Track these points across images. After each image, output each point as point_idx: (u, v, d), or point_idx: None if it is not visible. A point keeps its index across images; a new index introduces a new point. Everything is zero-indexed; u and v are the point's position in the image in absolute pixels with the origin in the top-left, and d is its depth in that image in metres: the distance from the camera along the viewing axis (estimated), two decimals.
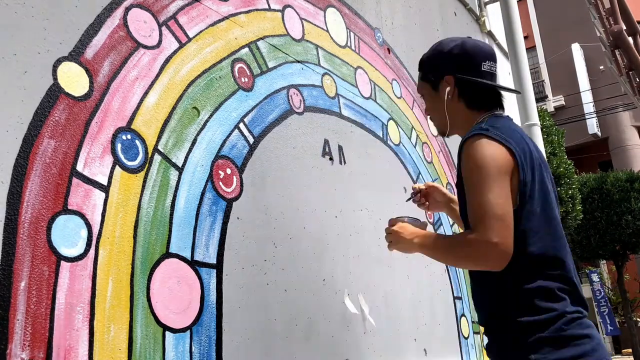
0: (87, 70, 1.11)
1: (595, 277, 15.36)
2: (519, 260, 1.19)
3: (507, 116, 1.41)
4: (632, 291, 15.13)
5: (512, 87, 3.33)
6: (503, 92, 1.48)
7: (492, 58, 1.41)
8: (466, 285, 2.44)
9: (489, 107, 1.40)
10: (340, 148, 1.84)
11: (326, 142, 1.78)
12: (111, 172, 1.10)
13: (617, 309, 14.99)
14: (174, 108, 1.28)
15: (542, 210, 1.25)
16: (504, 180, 1.20)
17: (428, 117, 1.55)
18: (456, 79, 1.40)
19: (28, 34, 1.02)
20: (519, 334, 1.19)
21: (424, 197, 1.58)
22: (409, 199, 1.60)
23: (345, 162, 1.85)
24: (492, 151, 1.22)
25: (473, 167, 1.23)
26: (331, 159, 1.78)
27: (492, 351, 1.28)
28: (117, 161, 1.12)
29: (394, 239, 1.41)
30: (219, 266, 1.29)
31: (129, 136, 1.16)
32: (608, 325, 14.92)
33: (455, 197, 1.50)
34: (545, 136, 9.25)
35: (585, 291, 15.88)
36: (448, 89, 1.40)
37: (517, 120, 3.40)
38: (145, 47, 1.25)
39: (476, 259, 1.22)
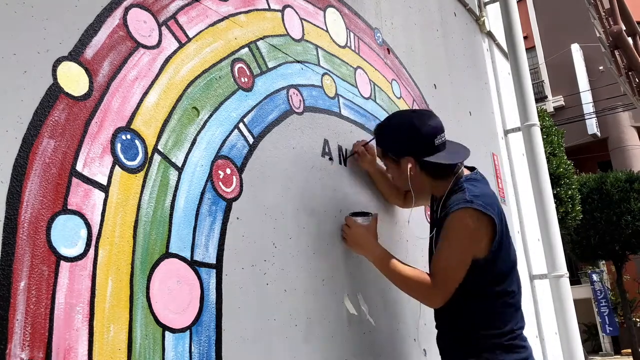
0: (87, 70, 1.11)
1: (595, 277, 15.36)
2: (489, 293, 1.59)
3: (476, 173, 1.69)
4: (632, 291, 15.13)
5: (512, 87, 3.33)
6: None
7: (442, 130, 1.64)
8: None
9: (451, 172, 1.64)
10: (340, 148, 1.84)
11: (326, 142, 1.78)
12: (111, 172, 1.10)
13: (616, 309, 14.99)
14: (173, 108, 1.28)
15: (507, 256, 1.61)
16: (471, 251, 1.53)
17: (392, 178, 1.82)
18: (416, 159, 1.62)
19: (28, 34, 1.02)
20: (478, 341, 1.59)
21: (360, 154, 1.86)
22: (349, 156, 1.86)
23: (346, 164, 1.85)
24: (472, 224, 1.51)
25: (453, 232, 1.53)
26: (331, 159, 1.78)
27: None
28: (116, 161, 1.12)
29: (348, 239, 1.69)
30: (218, 266, 1.29)
31: (128, 136, 1.16)
32: (607, 325, 14.92)
33: (383, 168, 1.87)
34: (544, 136, 9.25)
35: (586, 291, 15.88)
36: (410, 166, 1.63)
37: (516, 121, 3.40)
38: (145, 47, 1.25)
39: (421, 299, 1.62)
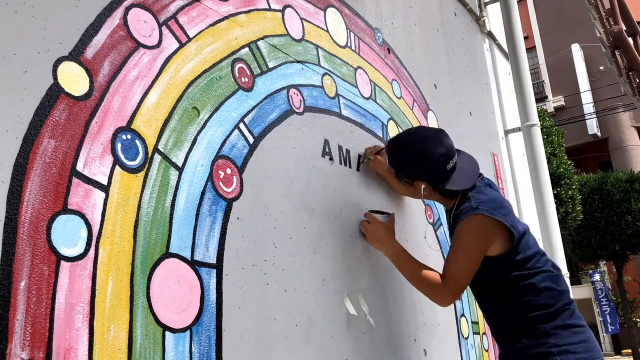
0: (87, 70, 1.11)
1: (597, 277, 15.36)
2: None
3: (482, 180, 1.74)
4: (632, 291, 15.12)
5: (512, 88, 3.33)
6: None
7: (452, 155, 1.71)
8: None
9: (462, 191, 1.70)
10: (340, 148, 1.84)
11: (326, 142, 1.78)
12: (111, 172, 1.10)
13: (616, 309, 14.99)
14: (174, 108, 1.28)
15: (526, 245, 1.65)
16: (479, 254, 1.60)
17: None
18: (429, 184, 1.73)
19: (28, 34, 1.02)
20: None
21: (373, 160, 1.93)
22: (361, 163, 1.91)
23: (347, 164, 1.85)
24: (480, 228, 1.59)
25: (462, 237, 1.61)
26: (331, 159, 1.78)
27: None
28: (117, 161, 1.12)
29: (368, 234, 1.77)
30: (219, 266, 1.29)
31: (129, 136, 1.16)
32: (608, 324, 14.91)
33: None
34: (545, 136, 9.25)
35: (586, 291, 15.88)
36: (423, 186, 1.73)
37: (516, 121, 3.40)
38: (146, 46, 1.25)
39: (432, 297, 1.67)
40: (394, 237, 1.78)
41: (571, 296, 1.69)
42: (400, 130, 2.25)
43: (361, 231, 1.80)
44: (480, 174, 1.77)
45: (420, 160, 1.71)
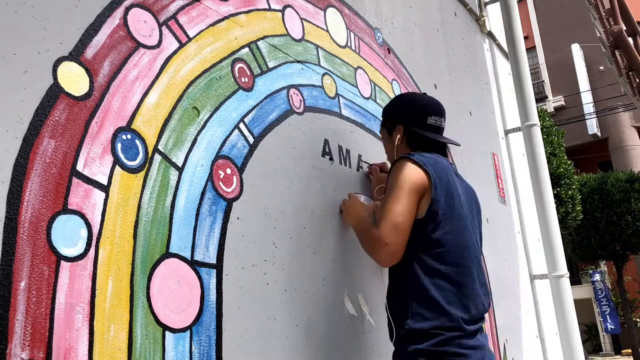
0: (87, 70, 1.11)
1: (598, 277, 15.35)
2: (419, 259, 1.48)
3: (452, 166, 1.67)
4: (632, 291, 15.12)
5: (512, 88, 3.33)
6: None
7: (439, 114, 1.69)
8: None
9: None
10: (340, 148, 1.84)
11: (326, 142, 1.78)
12: (111, 172, 1.10)
13: (616, 309, 14.99)
14: (174, 108, 1.28)
15: (448, 227, 1.49)
16: (412, 197, 1.47)
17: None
18: (404, 128, 1.68)
19: (28, 34, 1.02)
20: None
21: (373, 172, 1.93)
22: (361, 168, 1.93)
23: (347, 164, 1.85)
24: (409, 171, 1.50)
25: (392, 181, 1.51)
26: (331, 159, 1.78)
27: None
28: (117, 161, 1.12)
29: (344, 209, 1.73)
30: (219, 266, 1.29)
31: (129, 136, 1.16)
32: (609, 324, 14.91)
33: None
34: (545, 136, 9.25)
35: (586, 291, 15.88)
36: (398, 136, 1.69)
37: (516, 121, 3.40)
38: (146, 47, 1.25)
39: (371, 251, 1.52)
40: (367, 216, 1.63)
41: (469, 316, 1.44)
42: None
43: (340, 208, 1.75)
44: (452, 164, 1.75)
45: (405, 102, 1.76)
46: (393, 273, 1.55)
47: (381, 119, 1.82)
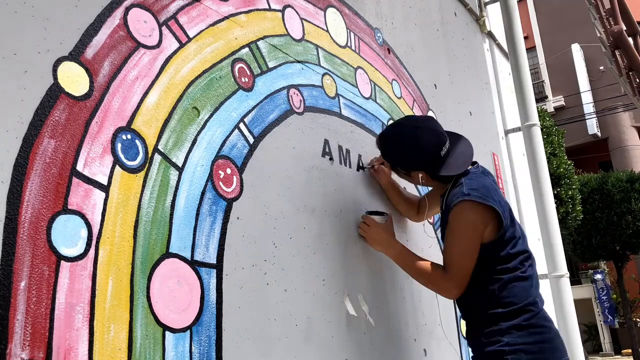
0: (87, 70, 1.11)
1: (599, 276, 15.36)
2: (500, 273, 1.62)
3: (477, 167, 1.74)
4: (632, 291, 15.12)
5: (512, 88, 3.33)
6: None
7: (444, 141, 1.70)
8: None
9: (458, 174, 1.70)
10: (340, 148, 1.84)
11: (326, 142, 1.78)
12: (111, 172, 1.10)
13: (616, 309, 14.99)
14: (174, 108, 1.28)
15: (512, 238, 1.63)
16: (476, 240, 1.58)
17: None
18: (426, 172, 1.72)
19: (28, 34, 1.02)
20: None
21: (376, 170, 1.94)
22: (363, 168, 1.93)
23: (347, 164, 1.85)
24: (472, 215, 1.58)
25: (456, 225, 1.60)
26: (331, 159, 1.78)
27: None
28: (117, 161, 1.12)
29: (368, 237, 1.77)
30: (219, 266, 1.29)
31: (129, 136, 1.16)
32: (607, 316, 14.99)
33: (396, 183, 2.00)
34: (545, 136, 9.24)
35: (586, 291, 15.88)
36: (421, 175, 1.73)
37: (516, 121, 3.40)
38: (146, 47, 1.25)
39: (438, 291, 1.68)
40: (394, 237, 1.78)
41: (541, 300, 1.66)
42: None
43: (360, 234, 1.80)
44: (476, 162, 1.77)
45: (414, 151, 1.71)
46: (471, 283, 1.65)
47: (387, 159, 1.82)
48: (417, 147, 1.70)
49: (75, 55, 1.09)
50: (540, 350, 1.53)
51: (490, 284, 1.59)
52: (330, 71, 1.88)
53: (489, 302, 1.59)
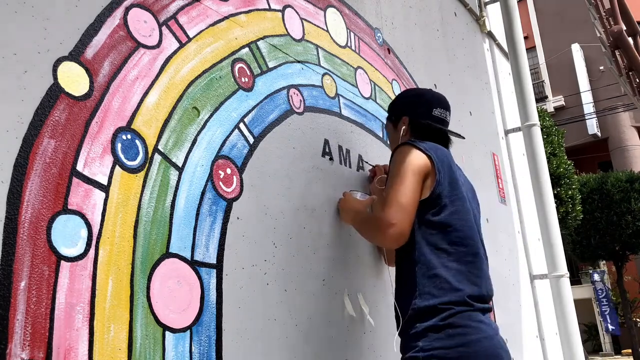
0: (87, 70, 1.11)
1: (597, 277, 15.35)
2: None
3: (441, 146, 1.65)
4: (632, 291, 15.12)
5: (512, 87, 3.33)
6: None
7: (444, 106, 1.71)
8: None
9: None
10: (340, 148, 1.84)
11: (326, 142, 1.78)
12: (111, 172, 1.10)
13: (617, 309, 14.99)
14: (174, 108, 1.28)
15: (453, 208, 1.49)
16: (415, 178, 1.46)
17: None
18: (410, 119, 1.68)
19: (28, 34, 1.02)
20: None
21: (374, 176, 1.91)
22: (362, 169, 1.92)
23: (347, 164, 1.85)
24: (411, 155, 1.49)
25: (395, 165, 1.51)
26: (331, 159, 1.78)
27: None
28: (117, 161, 1.12)
29: (341, 209, 1.72)
30: (219, 266, 1.29)
31: (129, 136, 1.16)
32: (609, 324, 14.91)
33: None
34: (545, 136, 9.24)
35: (586, 291, 15.88)
36: (403, 127, 1.69)
37: (516, 121, 3.40)
38: (146, 47, 1.25)
39: (377, 233, 1.48)
40: (362, 207, 1.66)
41: (481, 294, 1.45)
42: None
43: (337, 208, 1.74)
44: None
45: (412, 95, 1.79)
46: (399, 257, 1.52)
47: (387, 113, 1.83)
48: (416, 93, 1.81)
49: (75, 55, 1.09)
50: (460, 355, 1.32)
51: (417, 261, 1.43)
52: (330, 71, 1.88)
53: (412, 286, 1.42)
